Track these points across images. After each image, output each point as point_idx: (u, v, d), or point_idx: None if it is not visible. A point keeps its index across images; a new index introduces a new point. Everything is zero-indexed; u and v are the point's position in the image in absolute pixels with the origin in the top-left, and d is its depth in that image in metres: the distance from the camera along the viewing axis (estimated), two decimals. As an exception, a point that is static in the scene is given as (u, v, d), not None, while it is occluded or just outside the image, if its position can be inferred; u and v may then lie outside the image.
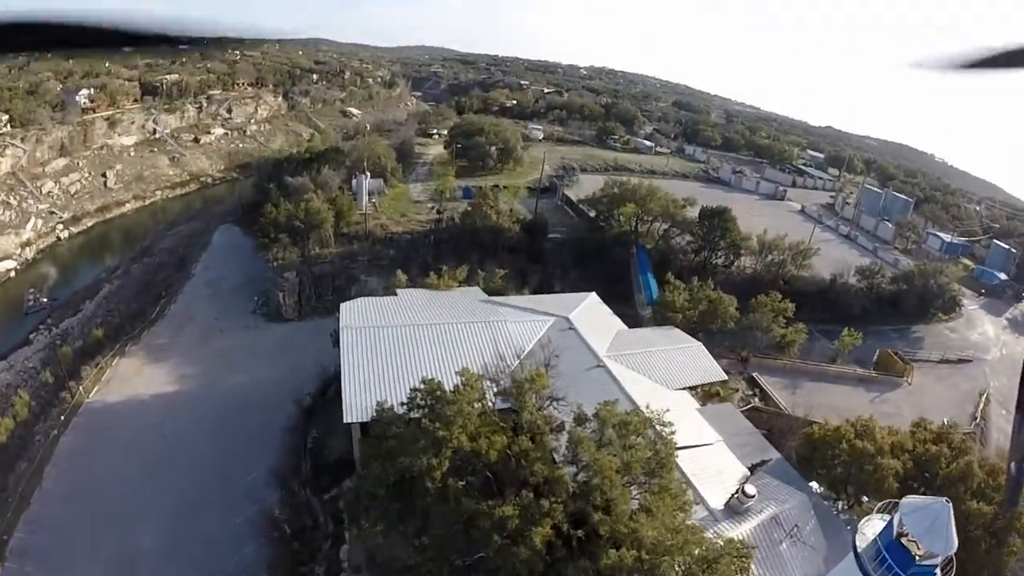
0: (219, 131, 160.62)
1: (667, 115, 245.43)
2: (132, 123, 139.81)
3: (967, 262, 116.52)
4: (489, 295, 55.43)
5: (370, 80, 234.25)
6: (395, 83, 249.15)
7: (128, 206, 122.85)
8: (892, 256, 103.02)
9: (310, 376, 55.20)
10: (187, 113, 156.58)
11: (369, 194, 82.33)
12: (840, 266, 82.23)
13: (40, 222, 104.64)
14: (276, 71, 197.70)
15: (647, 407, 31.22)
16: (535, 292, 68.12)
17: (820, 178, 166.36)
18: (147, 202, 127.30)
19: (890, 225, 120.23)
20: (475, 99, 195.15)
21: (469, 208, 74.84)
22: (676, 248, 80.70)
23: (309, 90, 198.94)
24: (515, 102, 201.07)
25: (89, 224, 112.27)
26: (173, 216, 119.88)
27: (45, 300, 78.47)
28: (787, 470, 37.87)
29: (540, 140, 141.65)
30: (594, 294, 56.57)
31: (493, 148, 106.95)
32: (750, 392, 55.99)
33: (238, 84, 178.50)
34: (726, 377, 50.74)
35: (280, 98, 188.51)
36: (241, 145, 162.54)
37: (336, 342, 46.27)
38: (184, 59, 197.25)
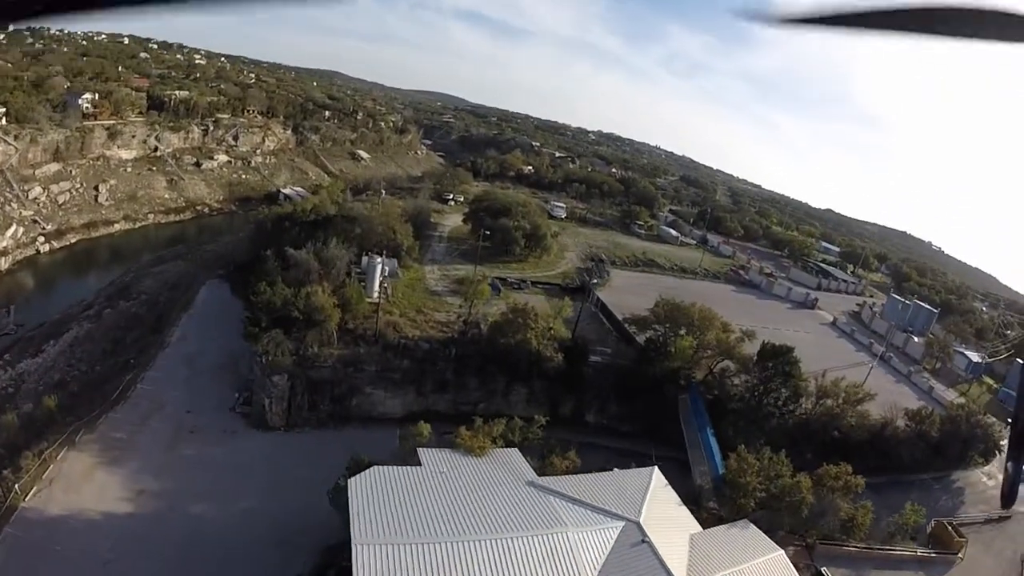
0: (223, 158, 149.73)
1: (680, 194, 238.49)
2: (134, 137, 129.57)
3: (989, 381, 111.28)
4: (522, 444, 46.88)
5: (382, 124, 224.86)
6: (407, 129, 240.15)
7: (117, 226, 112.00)
8: (925, 381, 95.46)
9: (298, 528, 43.21)
10: (192, 134, 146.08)
11: (381, 280, 70.77)
12: (888, 407, 71.23)
13: (21, 230, 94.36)
14: (289, 102, 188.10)
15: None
16: (566, 422, 58.54)
17: (844, 280, 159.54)
18: (137, 225, 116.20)
19: (916, 340, 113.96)
20: (492, 162, 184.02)
21: (500, 321, 63.11)
22: (729, 389, 67.72)
23: (320, 127, 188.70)
24: (532, 169, 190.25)
25: (73, 240, 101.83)
26: (160, 246, 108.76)
27: (13, 325, 71.13)
28: None
29: (563, 219, 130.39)
30: (658, 474, 45.30)
31: (520, 234, 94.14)
32: None
33: (248, 111, 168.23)
34: None
35: (290, 131, 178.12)
36: (244, 176, 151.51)
37: (334, 501, 39.36)
38: (198, 74, 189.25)
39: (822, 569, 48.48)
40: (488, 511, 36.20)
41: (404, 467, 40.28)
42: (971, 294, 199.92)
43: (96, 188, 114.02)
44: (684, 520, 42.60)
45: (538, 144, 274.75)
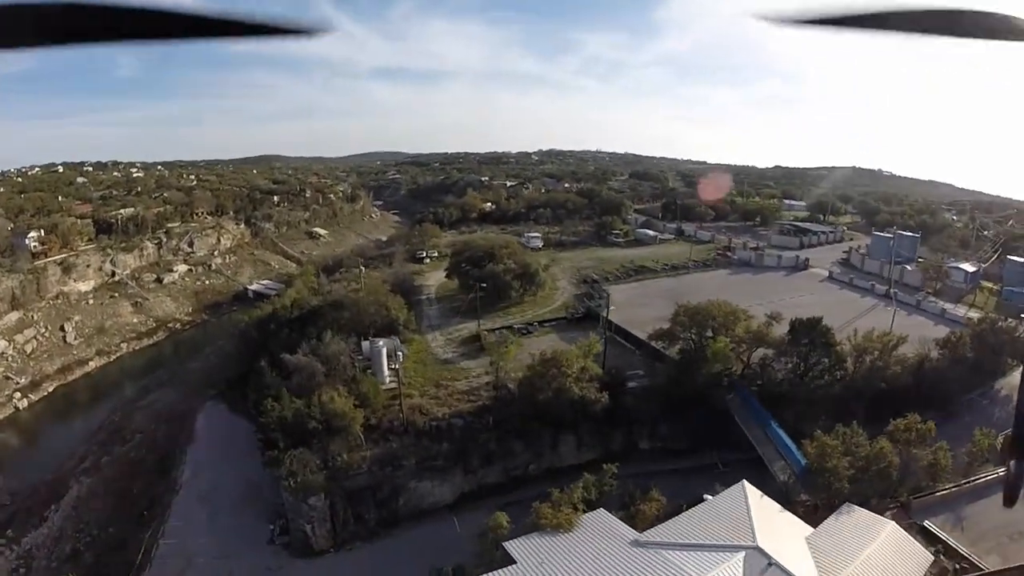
0: (182, 267, 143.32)
1: (637, 191, 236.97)
2: (88, 266, 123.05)
3: (989, 285, 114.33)
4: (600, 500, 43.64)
5: (332, 196, 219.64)
6: (357, 196, 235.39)
7: (92, 364, 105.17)
8: (935, 305, 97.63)
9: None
10: (146, 251, 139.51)
11: (390, 363, 65.28)
12: (918, 342, 70.99)
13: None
14: (235, 196, 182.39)
15: None
16: (618, 459, 52.71)
17: (821, 232, 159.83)
18: (112, 357, 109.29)
19: (910, 269, 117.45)
20: (452, 208, 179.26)
21: (530, 375, 57.88)
22: (771, 375, 65.39)
23: (272, 213, 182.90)
24: (492, 205, 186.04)
25: (50, 389, 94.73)
26: (140, 375, 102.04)
27: (7, 496, 64.22)
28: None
29: (541, 248, 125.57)
30: (749, 487, 42.79)
31: (510, 276, 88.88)
32: (932, 549, 44.28)
33: (197, 214, 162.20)
34: (932, 558, 41.43)
35: (243, 225, 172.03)
36: (208, 281, 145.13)
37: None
38: (139, 188, 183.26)
39: (924, 523, 47.33)
40: None
41: (502, 571, 35.94)
42: (938, 208, 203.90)
43: (62, 328, 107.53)
44: (793, 525, 41.25)
45: (487, 178, 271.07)
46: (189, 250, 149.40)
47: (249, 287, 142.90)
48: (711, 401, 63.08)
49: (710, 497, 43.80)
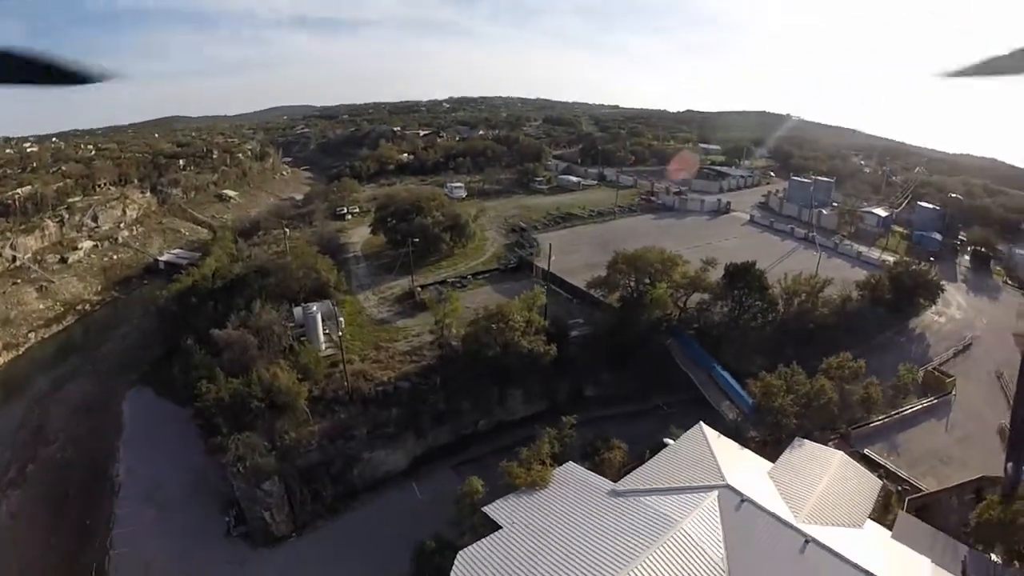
0: (87, 244, 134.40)
1: (554, 137, 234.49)
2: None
3: (900, 229, 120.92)
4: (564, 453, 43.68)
5: (240, 155, 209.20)
6: (266, 154, 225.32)
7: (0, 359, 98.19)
8: (851, 248, 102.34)
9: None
10: (48, 230, 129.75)
11: (326, 329, 62.42)
12: (840, 284, 75.13)
13: None
14: (138, 163, 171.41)
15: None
16: (565, 408, 52.50)
17: (740, 176, 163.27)
18: (21, 350, 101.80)
19: (826, 212, 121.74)
20: (369, 162, 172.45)
21: (474, 331, 55.98)
22: (709, 319, 66.80)
23: (179, 179, 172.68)
24: (410, 156, 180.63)
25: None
26: (52, 364, 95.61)
27: None
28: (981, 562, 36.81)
29: (464, 198, 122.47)
30: (705, 427, 44.45)
31: (440, 229, 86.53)
32: (877, 474, 47.98)
33: (99, 186, 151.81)
34: (880, 483, 44.82)
35: (148, 193, 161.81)
36: (116, 256, 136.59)
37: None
38: (34, 163, 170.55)
39: (864, 451, 51.73)
40: (602, 543, 32.99)
41: (491, 538, 34.86)
42: (848, 154, 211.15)
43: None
44: (754, 462, 42.79)
45: (399, 129, 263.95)
46: (94, 225, 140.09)
47: (160, 258, 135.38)
48: (651, 346, 63.84)
49: (671, 441, 44.29)
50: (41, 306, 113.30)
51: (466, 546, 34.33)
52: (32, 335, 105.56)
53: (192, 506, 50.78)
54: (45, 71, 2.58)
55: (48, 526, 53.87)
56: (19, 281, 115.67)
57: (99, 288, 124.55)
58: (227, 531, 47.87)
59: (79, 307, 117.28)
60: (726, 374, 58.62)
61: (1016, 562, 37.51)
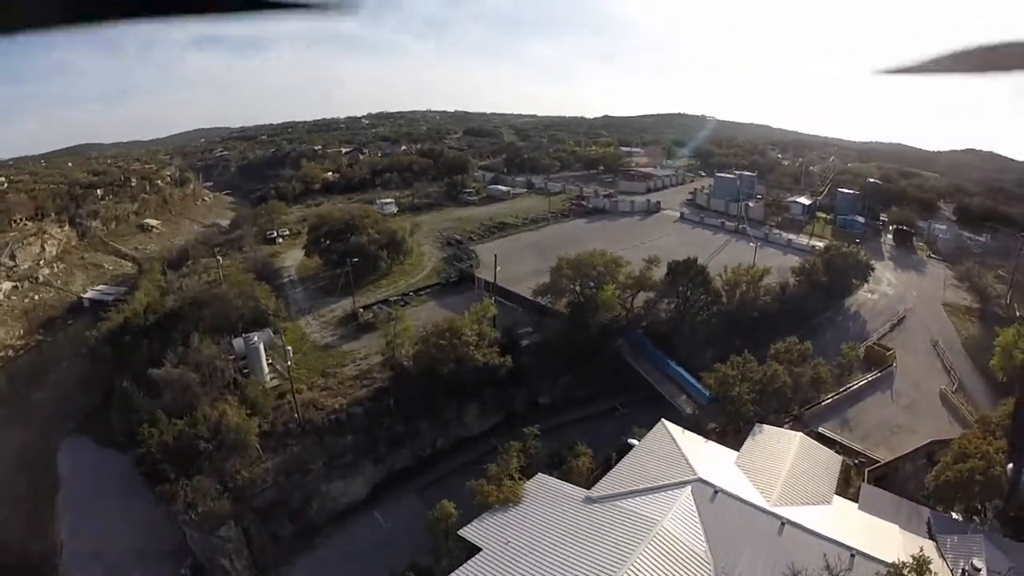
0: (6, 285, 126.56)
1: (477, 148, 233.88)
2: None
3: (824, 215, 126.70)
4: (529, 463, 42.62)
5: (159, 182, 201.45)
6: (186, 179, 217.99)
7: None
8: (780, 236, 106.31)
9: None
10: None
11: (269, 360, 59.64)
12: (777, 272, 77.77)
13: None
14: (54, 194, 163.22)
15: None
16: (520, 416, 55.48)
17: (664, 176, 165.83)
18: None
19: (752, 205, 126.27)
20: (294, 183, 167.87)
21: (425, 349, 54.08)
22: (656, 316, 67.65)
23: (98, 209, 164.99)
24: (335, 175, 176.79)
25: None
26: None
27: None
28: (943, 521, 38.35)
29: (396, 214, 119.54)
30: (668, 423, 44.97)
31: (376, 247, 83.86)
32: (834, 450, 49.84)
33: (15, 221, 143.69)
34: (840, 458, 46.32)
35: (67, 226, 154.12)
36: (37, 297, 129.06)
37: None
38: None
39: (819, 430, 53.08)
40: (587, 553, 32.52)
41: (473, 562, 33.30)
42: (765, 148, 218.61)
43: None
44: (719, 452, 43.41)
45: (320, 147, 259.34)
46: (11, 264, 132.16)
47: (84, 296, 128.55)
48: (603, 349, 63.69)
49: (635, 442, 44.17)
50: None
51: (447, 573, 33.08)
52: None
53: (144, 562, 46.53)
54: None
55: (-16, 602, 49.98)
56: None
57: (22, 332, 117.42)
58: (187, 587, 44.63)
59: (1, 353, 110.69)
60: (681, 369, 58.88)
61: (975, 517, 39.60)
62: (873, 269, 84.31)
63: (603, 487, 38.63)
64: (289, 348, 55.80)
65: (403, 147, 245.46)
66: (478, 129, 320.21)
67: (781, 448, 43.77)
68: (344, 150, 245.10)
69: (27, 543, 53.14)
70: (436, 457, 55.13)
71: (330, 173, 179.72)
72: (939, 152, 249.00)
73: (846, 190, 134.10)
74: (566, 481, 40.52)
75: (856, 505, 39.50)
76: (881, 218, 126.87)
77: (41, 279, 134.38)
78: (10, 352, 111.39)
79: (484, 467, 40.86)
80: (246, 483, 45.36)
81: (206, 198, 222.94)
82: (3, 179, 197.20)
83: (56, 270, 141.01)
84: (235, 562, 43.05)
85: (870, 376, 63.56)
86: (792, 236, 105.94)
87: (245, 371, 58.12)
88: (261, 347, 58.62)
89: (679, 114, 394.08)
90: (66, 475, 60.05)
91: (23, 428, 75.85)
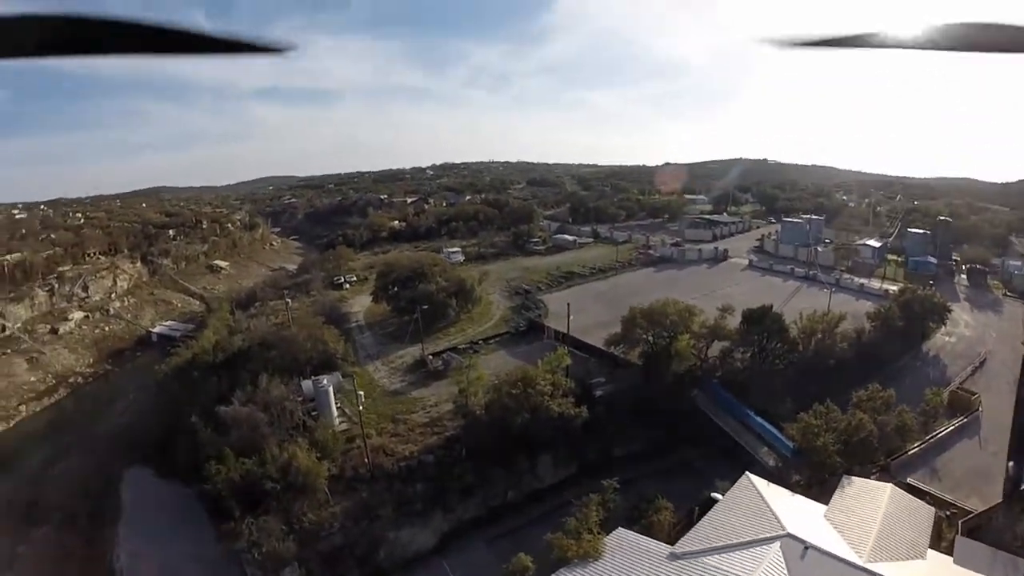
0: (78, 315, 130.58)
1: (540, 198, 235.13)
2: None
3: (894, 257, 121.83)
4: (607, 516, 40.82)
5: (230, 226, 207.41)
6: (256, 223, 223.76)
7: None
8: (852, 281, 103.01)
9: None
10: (38, 299, 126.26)
11: (338, 404, 59.04)
12: (851, 317, 74.52)
13: None
14: (128, 232, 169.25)
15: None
16: (593, 468, 53.64)
17: (730, 223, 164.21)
18: (11, 423, 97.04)
19: (821, 250, 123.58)
20: (361, 230, 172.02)
21: (497, 398, 52.89)
22: (732, 366, 65.82)
23: (169, 248, 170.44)
24: (403, 223, 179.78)
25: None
26: (43, 438, 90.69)
27: None
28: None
29: (462, 262, 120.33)
30: (752, 476, 43.36)
31: (444, 295, 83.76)
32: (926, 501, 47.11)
33: (89, 255, 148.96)
34: (933, 510, 43.92)
35: (139, 263, 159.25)
36: (107, 328, 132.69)
37: None
38: (23, 230, 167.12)
39: (908, 480, 50.63)
40: None
41: None
42: (830, 190, 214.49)
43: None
44: (807, 506, 41.53)
45: (385, 196, 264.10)
46: (84, 295, 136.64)
47: (152, 330, 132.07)
48: (678, 400, 61.99)
49: (719, 496, 42.97)
50: (32, 378, 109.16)
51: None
52: (23, 408, 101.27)
53: None
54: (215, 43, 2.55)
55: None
56: (9, 351, 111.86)
57: (91, 360, 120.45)
58: (245, 625, 43.71)
59: (71, 380, 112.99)
60: (761, 420, 57.11)
61: None
62: (950, 311, 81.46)
63: (687, 543, 37.19)
64: (360, 393, 55.36)
65: (467, 197, 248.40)
66: (540, 179, 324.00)
67: (872, 501, 42.10)
68: (409, 199, 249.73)
69: (86, 567, 53.26)
70: (507, 508, 53.39)
71: (397, 221, 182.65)
72: (1007, 183, 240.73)
73: (916, 230, 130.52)
74: (646, 536, 39.10)
75: (951, 559, 37.74)
76: (953, 257, 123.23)
77: (112, 311, 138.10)
78: (79, 379, 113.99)
79: (559, 520, 39.55)
80: (313, 526, 44.46)
81: (274, 243, 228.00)
82: (80, 215, 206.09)
83: (127, 304, 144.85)
84: (296, 604, 41.82)
85: (956, 422, 60.93)
86: (863, 280, 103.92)
87: (313, 413, 57.77)
88: (331, 390, 58.32)
89: (739, 159, 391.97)
90: (128, 504, 60.23)
91: (87, 455, 76.91)
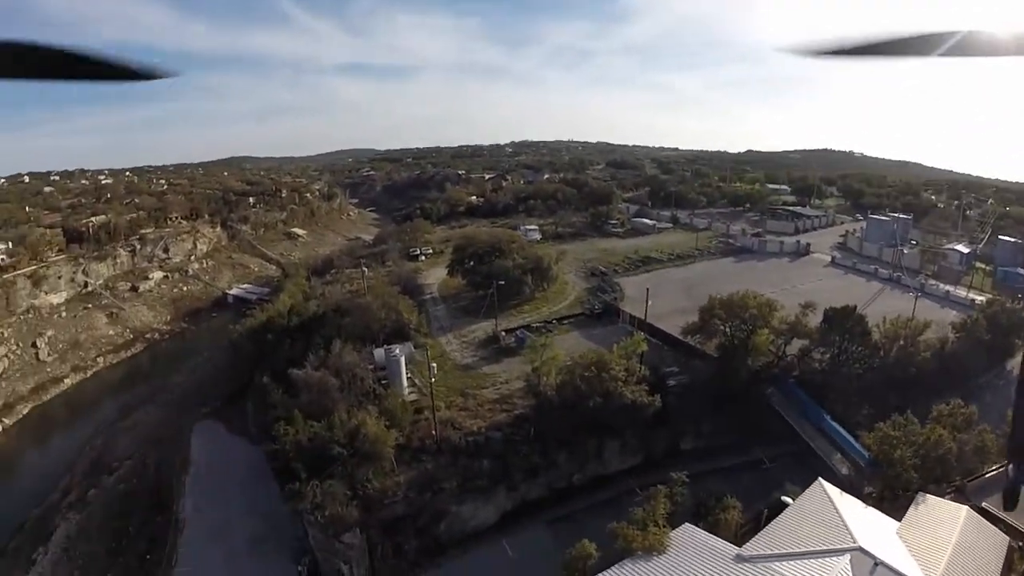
0: (158, 275, 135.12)
1: (619, 180, 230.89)
2: (59, 277, 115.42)
3: (981, 266, 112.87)
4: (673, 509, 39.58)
5: (308, 195, 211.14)
6: (334, 194, 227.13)
7: (67, 381, 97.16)
8: (937, 287, 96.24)
9: None
10: (120, 259, 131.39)
11: (409, 373, 58.77)
12: (935, 326, 69.63)
13: (-35, 417, 79.84)
14: (209, 198, 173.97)
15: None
16: (660, 459, 53.93)
17: (814, 216, 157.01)
18: (89, 373, 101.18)
19: (907, 251, 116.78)
20: (439, 204, 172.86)
21: (569, 380, 51.87)
22: (809, 365, 63.10)
23: (248, 215, 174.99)
24: (480, 199, 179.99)
25: (25, 410, 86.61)
26: (120, 390, 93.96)
27: None
28: None
29: (539, 241, 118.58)
30: (827, 485, 40.62)
31: (520, 271, 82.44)
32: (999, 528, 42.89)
33: (171, 219, 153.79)
34: (1007, 538, 40.15)
35: (219, 228, 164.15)
36: (185, 288, 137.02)
37: None
38: (108, 195, 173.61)
39: (983, 505, 45.26)
40: None
41: None
42: (920, 189, 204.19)
43: (34, 345, 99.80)
44: (881, 520, 39.31)
45: (463, 172, 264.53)
46: (164, 256, 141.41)
47: (229, 292, 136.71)
48: (752, 396, 60.07)
49: (789, 499, 41.85)
50: (111, 332, 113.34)
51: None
52: (100, 360, 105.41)
53: (261, 554, 47.18)
54: (102, 67, 2.64)
55: (107, 554, 51.83)
56: (90, 306, 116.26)
57: (168, 318, 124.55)
58: (300, 583, 44.09)
59: (148, 335, 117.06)
60: (837, 426, 54.86)
61: None
62: None
63: (755, 546, 35.62)
64: (434, 364, 54.82)
65: (546, 175, 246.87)
66: (620, 161, 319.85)
67: (946, 522, 39.63)
68: (487, 176, 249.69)
69: (151, 513, 55.40)
70: (570, 491, 52.56)
71: (474, 197, 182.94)
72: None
73: (1007, 237, 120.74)
74: (712, 534, 37.78)
75: None
76: None
77: (190, 272, 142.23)
78: (155, 336, 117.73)
79: (621, 508, 38.90)
80: (376, 493, 44.37)
81: (351, 213, 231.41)
82: (164, 181, 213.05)
83: (205, 266, 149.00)
84: (354, 569, 42.18)
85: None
86: (949, 287, 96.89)
87: (384, 382, 57.78)
88: (403, 360, 58.06)
89: (826, 150, 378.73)
90: (197, 457, 62.11)
91: (159, 406, 79.05)
